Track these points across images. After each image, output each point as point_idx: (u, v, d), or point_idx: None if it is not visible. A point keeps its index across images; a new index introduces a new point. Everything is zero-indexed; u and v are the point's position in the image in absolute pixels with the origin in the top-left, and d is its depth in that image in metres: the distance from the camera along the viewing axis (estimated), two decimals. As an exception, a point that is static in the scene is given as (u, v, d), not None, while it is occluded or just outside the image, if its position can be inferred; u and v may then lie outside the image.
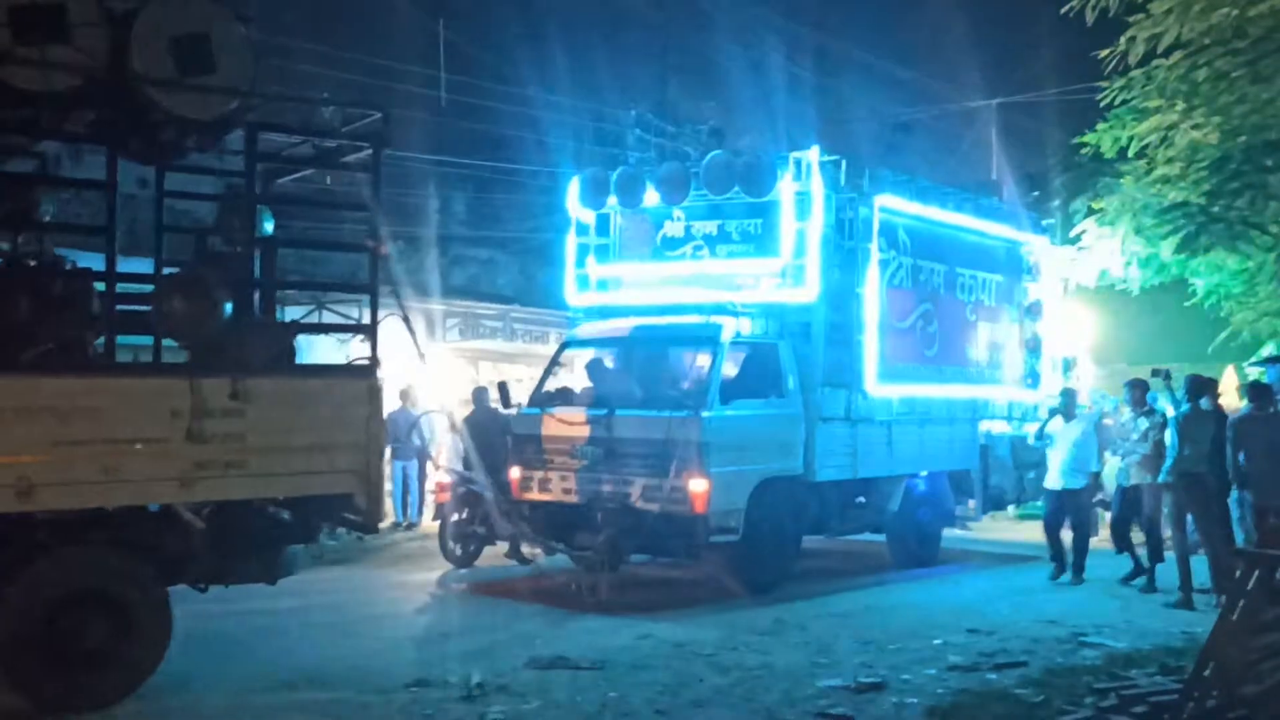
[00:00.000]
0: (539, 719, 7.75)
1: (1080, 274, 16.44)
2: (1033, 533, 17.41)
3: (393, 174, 22.02)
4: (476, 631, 10.67)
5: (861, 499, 14.10)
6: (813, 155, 13.03)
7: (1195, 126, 13.97)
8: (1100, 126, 14.85)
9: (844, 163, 13.37)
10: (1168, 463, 12.44)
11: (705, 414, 12.02)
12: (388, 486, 19.09)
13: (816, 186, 13.04)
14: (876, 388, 13.67)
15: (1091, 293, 18.01)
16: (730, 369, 12.94)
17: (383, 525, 18.06)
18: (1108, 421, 16.06)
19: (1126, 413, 13.68)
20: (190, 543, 8.57)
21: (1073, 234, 16.13)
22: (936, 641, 10.08)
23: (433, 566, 14.35)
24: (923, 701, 8.07)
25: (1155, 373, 13.80)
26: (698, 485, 11.94)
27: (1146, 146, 14.50)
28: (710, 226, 13.77)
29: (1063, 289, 16.95)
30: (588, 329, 14.05)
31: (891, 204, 13.99)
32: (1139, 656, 9.18)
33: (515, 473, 13.22)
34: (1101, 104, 14.64)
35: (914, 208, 14.41)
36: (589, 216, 14.39)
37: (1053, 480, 13.96)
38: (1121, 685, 7.80)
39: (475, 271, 22.03)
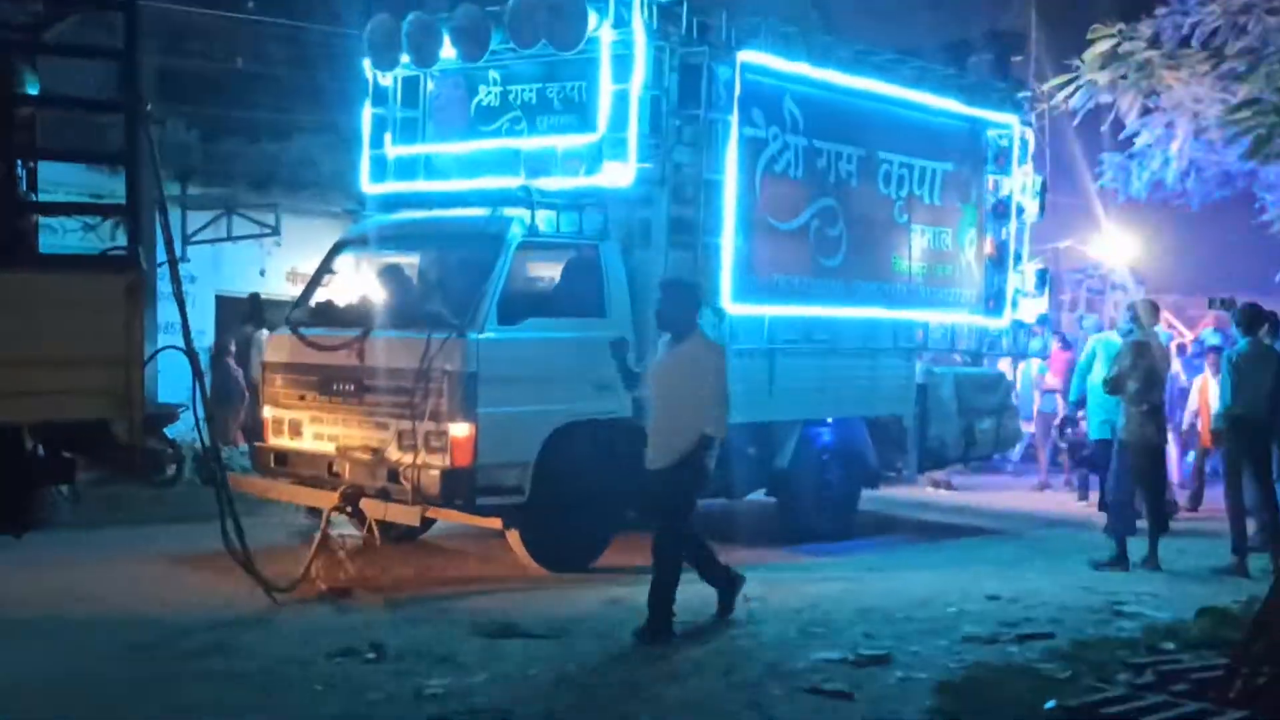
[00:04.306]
0: (485, 693, 7.34)
1: (1130, 185, 14.80)
2: (1015, 498, 16.74)
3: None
4: (416, 593, 10.10)
5: (736, 451, 11.74)
6: (635, -9, 10.77)
7: (1271, 12, 12.40)
8: (1160, 11, 13.24)
9: (686, 5, 11.03)
10: (1220, 406, 12.03)
11: (474, 335, 10.06)
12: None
13: (639, 34, 10.72)
14: (736, 305, 11.46)
15: (1143, 208, 17.13)
16: (529, 277, 11.41)
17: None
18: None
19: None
20: None
21: (1121, 136, 14.52)
22: (950, 609, 9.65)
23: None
24: (932, 676, 7.72)
25: (1212, 302, 13.65)
26: (459, 429, 10.04)
27: (1215, 33, 12.85)
28: (530, 92, 11.57)
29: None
30: (363, 227, 12.03)
31: (766, 63, 11.60)
32: (1182, 628, 8.71)
33: (266, 412, 11.51)
34: (1165, -14, 13.29)
35: (806, 70, 11.98)
36: (389, 81, 12.25)
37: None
38: (1160, 660, 7.58)
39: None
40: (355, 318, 10.95)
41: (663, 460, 8.71)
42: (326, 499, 10.35)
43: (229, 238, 17.94)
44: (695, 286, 9.45)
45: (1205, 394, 14.88)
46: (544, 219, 10.57)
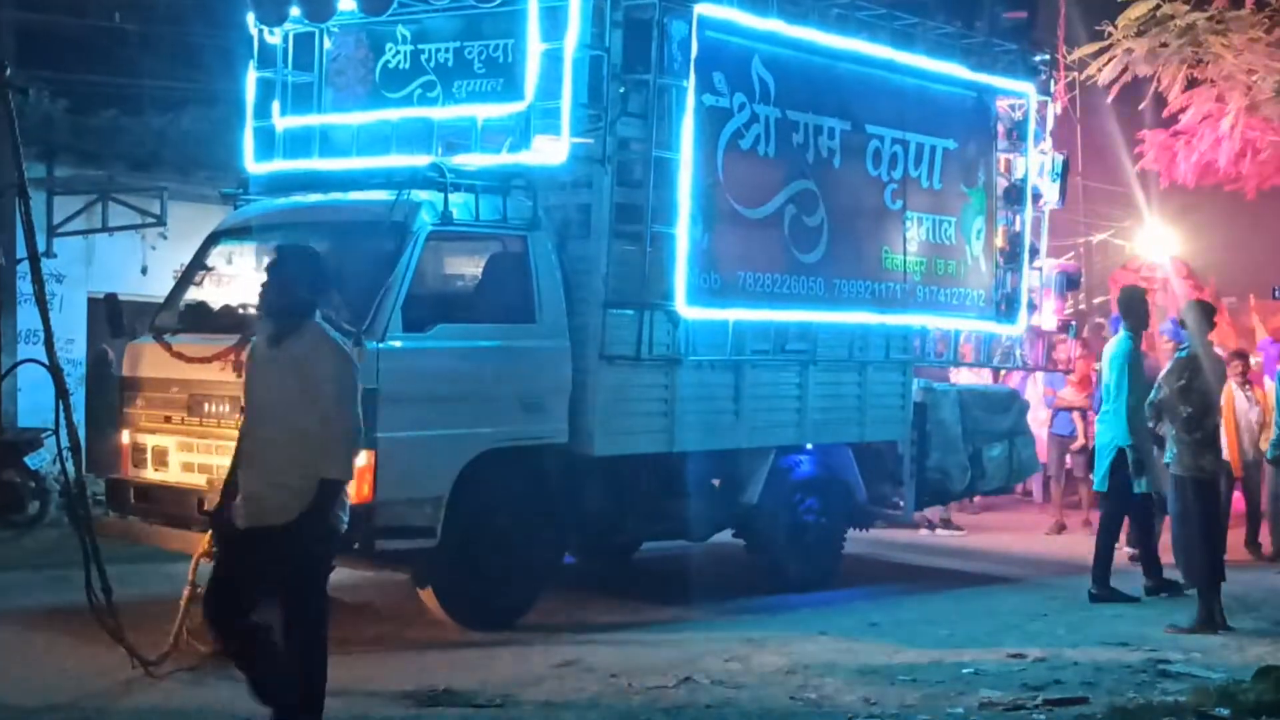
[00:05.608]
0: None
1: (1175, 168, 15.90)
2: (1031, 540, 16.92)
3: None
4: (336, 653, 9.64)
5: (694, 484, 12.01)
6: (567, -66, 10.78)
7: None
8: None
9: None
10: (1277, 433, 12.32)
11: (374, 344, 9.97)
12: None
13: (573, -18, 10.83)
14: (693, 309, 11.41)
15: (1191, 195, 17.58)
16: (443, 274, 11.74)
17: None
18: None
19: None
20: None
21: (1166, 114, 15.44)
22: (965, 670, 9.78)
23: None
24: (940, 752, 8.02)
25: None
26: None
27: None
28: (446, 52, 11.51)
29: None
30: (244, 214, 11.97)
31: (731, 18, 11.57)
32: (1239, 691, 8.73)
33: (125, 438, 11.39)
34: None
35: (779, 26, 11.95)
36: (277, 39, 12.12)
37: None
38: (1211, 731, 7.76)
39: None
40: (232, 323, 10.79)
41: (260, 516, 7.08)
42: (195, 543, 10.00)
43: (104, 228, 17.88)
44: (316, 257, 7.73)
45: (1231, 409, 14.71)
46: (461, 204, 10.52)
